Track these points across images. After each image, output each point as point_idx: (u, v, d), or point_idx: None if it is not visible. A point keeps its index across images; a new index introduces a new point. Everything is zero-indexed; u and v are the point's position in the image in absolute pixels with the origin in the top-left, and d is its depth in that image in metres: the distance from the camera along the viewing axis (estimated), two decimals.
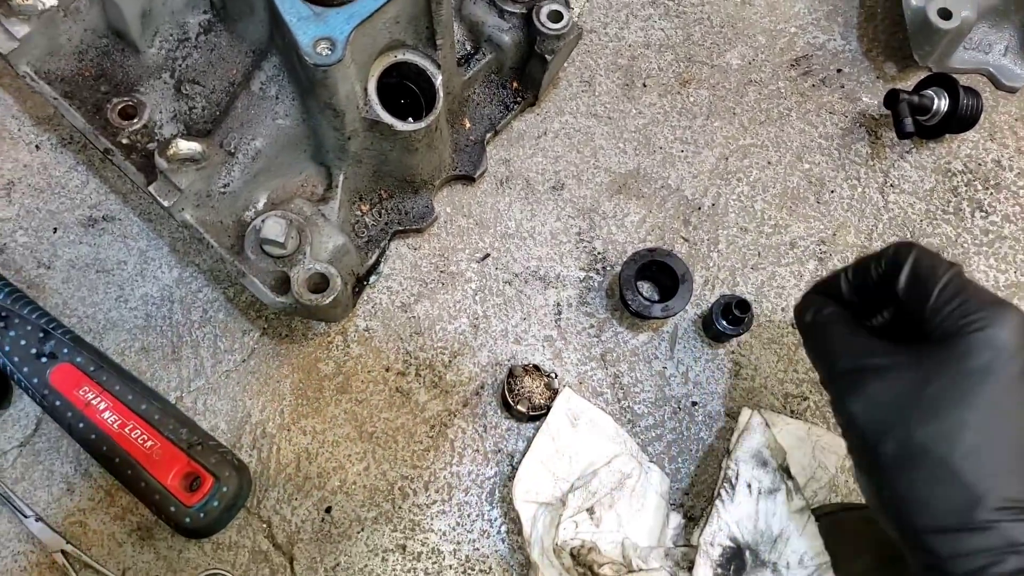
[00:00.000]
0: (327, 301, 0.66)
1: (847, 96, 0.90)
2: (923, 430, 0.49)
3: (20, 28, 0.68)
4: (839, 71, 0.91)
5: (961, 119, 0.84)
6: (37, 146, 0.80)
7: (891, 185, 0.86)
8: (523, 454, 0.72)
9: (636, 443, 0.73)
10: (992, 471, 0.47)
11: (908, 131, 0.81)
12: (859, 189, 0.86)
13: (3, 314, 0.70)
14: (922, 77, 0.87)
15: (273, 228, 0.66)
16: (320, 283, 0.67)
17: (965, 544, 0.47)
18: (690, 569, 0.67)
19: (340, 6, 0.62)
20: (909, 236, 0.83)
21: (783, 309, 0.80)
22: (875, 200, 0.85)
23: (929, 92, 0.84)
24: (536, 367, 0.74)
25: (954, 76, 0.84)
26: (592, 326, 0.79)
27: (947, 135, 0.88)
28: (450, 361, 0.76)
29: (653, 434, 0.75)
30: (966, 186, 0.87)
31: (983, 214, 0.85)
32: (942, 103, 0.84)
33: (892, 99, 0.83)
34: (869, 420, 0.51)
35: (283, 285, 0.68)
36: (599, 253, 0.81)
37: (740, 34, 0.92)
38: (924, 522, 0.48)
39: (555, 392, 0.74)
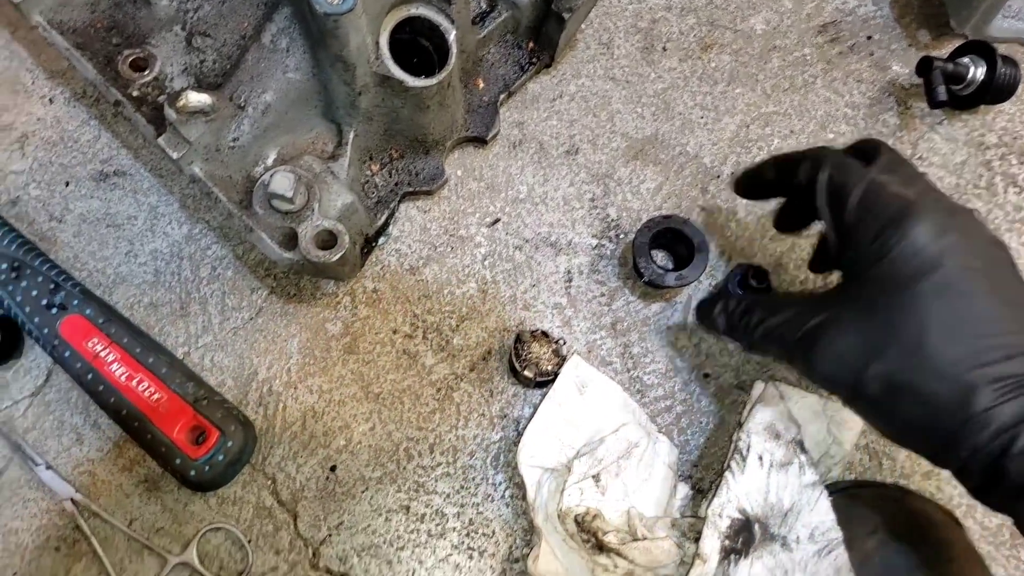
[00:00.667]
0: (335, 258, 0.65)
1: (876, 64, 0.87)
2: (889, 359, 0.50)
3: None
4: (869, 38, 0.88)
5: (998, 89, 0.81)
6: (51, 100, 0.80)
7: (920, 158, 0.83)
8: (529, 420, 0.71)
9: (645, 413, 0.72)
10: (968, 362, 0.48)
11: (941, 100, 0.78)
12: None
13: (15, 265, 0.71)
14: (957, 45, 0.84)
15: (281, 182, 0.65)
16: (328, 240, 0.67)
17: (979, 437, 0.47)
18: (697, 540, 0.66)
19: None
20: None
21: (801, 282, 0.78)
22: None
23: (964, 60, 0.81)
24: (544, 333, 0.73)
25: (992, 45, 0.81)
26: (603, 294, 0.77)
27: (982, 106, 0.84)
28: (457, 325, 0.76)
29: (663, 405, 0.74)
30: (1000, 160, 0.84)
31: (1017, 189, 0.82)
32: (978, 72, 0.81)
33: (925, 66, 0.80)
34: (841, 375, 0.53)
35: (291, 241, 0.67)
36: (613, 220, 0.80)
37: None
38: (935, 440, 0.50)
39: (563, 359, 0.73)
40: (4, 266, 0.70)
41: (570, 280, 0.78)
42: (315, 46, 0.65)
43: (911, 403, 0.49)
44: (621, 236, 0.79)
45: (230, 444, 0.66)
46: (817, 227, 0.67)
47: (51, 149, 0.78)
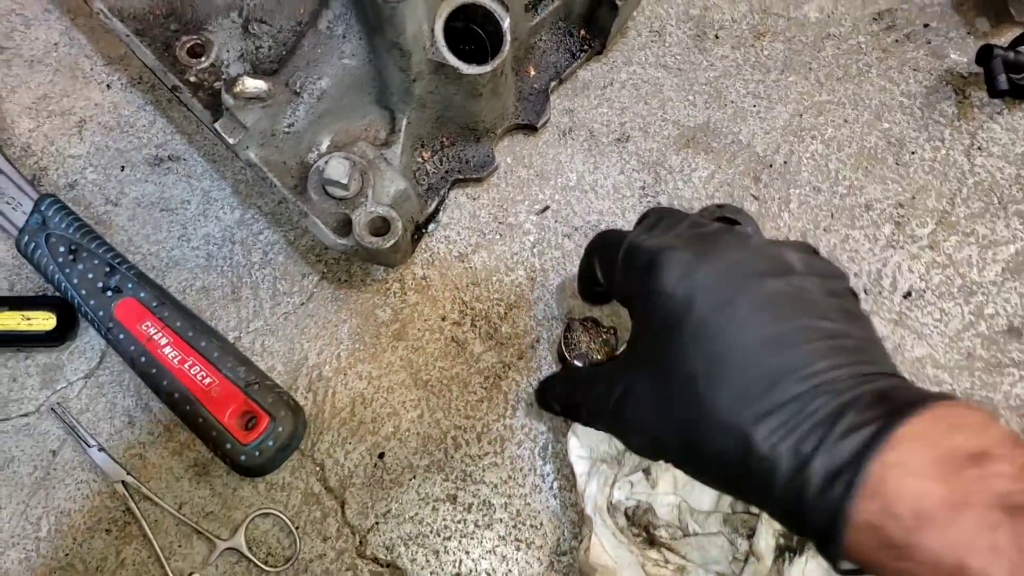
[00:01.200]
0: (388, 245, 0.65)
1: (933, 52, 0.85)
2: (676, 421, 0.46)
3: None
4: (926, 26, 0.86)
5: None
6: (108, 85, 0.81)
7: (978, 148, 0.81)
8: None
9: None
10: (736, 405, 0.43)
11: (1001, 89, 0.76)
12: (942, 151, 0.81)
13: (72, 248, 0.71)
14: (1018, 34, 0.82)
15: (337, 168, 0.65)
16: (381, 226, 0.67)
17: (773, 492, 0.41)
18: (750, 536, 0.65)
19: None
20: (996, 202, 0.79)
21: (856, 274, 0.77)
22: (959, 163, 0.81)
23: None
24: (595, 322, 0.72)
25: None
26: None
27: None
28: (506, 313, 0.75)
29: None
30: None
31: None
32: None
33: (985, 55, 0.78)
34: (647, 448, 0.51)
35: (344, 227, 0.67)
36: None
37: (792, 4, 0.88)
38: (732, 490, 0.47)
39: (613, 349, 0.72)
40: (62, 249, 0.71)
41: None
42: (371, 33, 0.65)
43: (708, 463, 0.45)
44: None
45: (280, 429, 0.66)
46: None
47: (108, 134, 0.79)
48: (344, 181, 0.65)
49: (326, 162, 0.66)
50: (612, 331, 0.72)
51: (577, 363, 0.71)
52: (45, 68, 0.80)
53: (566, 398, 0.62)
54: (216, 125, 0.66)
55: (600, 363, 0.70)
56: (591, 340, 0.72)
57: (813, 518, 0.40)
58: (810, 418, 0.40)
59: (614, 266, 0.53)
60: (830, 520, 0.39)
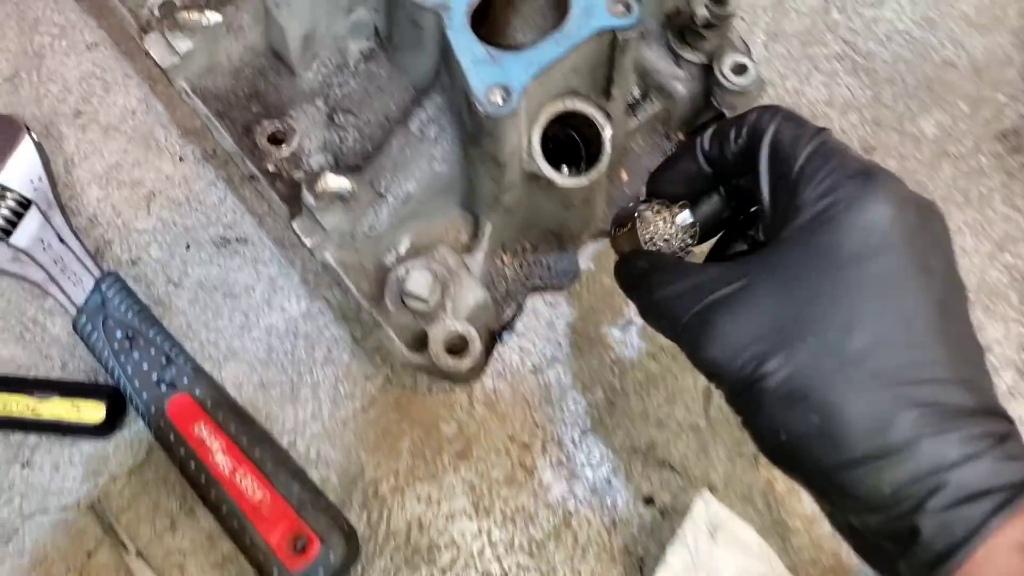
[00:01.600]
0: (465, 366, 0.60)
1: None
2: (798, 353, 0.39)
3: (183, 43, 0.65)
4: None
5: None
6: (181, 158, 0.78)
7: None
8: (656, 560, 0.64)
9: (784, 564, 0.64)
10: (892, 376, 0.38)
11: None
12: None
13: (129, 335, 0.68)
14: None
15: (419, 281, 0.60)
16: (459, 344, 0.62)
17: (885, 475, 0.38)
18: None
19: (517, 50, 0.56)
20: None
21: None
22: None
23: None
24: (667, 204, 0.54)
25: None
26: None
27: None
28: (580, 439, 0.69)
29: (807, 556, 0.66)
30: None
31: None
32: None
33: None
34: (732, 363, 0.42)
35: (419, 342, 0.62)
36: None
37: (938, 99, 0.82)
38: (830, 459, 0.39)
39: (692, 240, 0.53)
40: (119, 334, 0.68)
41: (710, 398, 0.71)
42: (467, 142, 0.60)
43: (810, 413, 0.39)
44: None
45: (332, 558, 0.61)
46: None
47: (176, 209, 0.76)
48: (425, 296, 0.60)
49: (407, 272, 0.61)
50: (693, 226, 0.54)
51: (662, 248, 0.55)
52: (120, 136, 0.78)
53: (632, 274, 0.52)
54: (293, 224, 0.62)
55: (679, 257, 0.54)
56: (667, 227, 0.54)
57: (929, 528, 0.37)
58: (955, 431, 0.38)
59: (794, 147, 0.44)
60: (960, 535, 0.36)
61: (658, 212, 0.54)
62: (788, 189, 0.43)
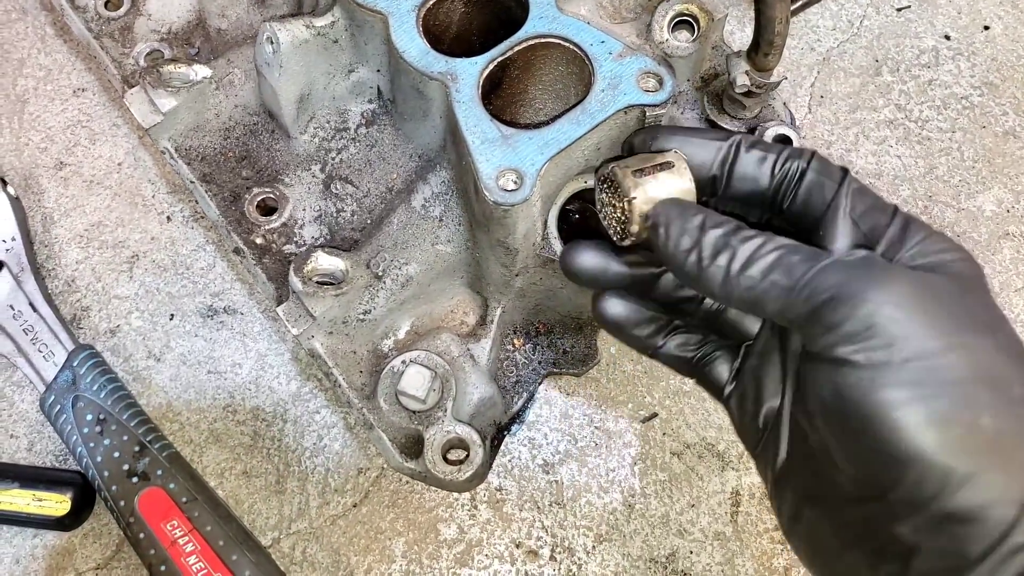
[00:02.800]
0: (464, 477, 0.54)
1: None
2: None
3: (167, 101, 0.59)
4: None
5: None
6: (168, 217, 0.72)
7: None
8: None
9: None
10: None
11: None
12: None
13: (101, 417, 0.62)
14: None
15: (414, 380, 0.54)
16: (457, 447, 0.55)
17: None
18: None
19: (532, 128, 0.50)
20: None
21: None
22: None
23: None
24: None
25: None
26: (778, 528, 0.63)
27: None
28: (594, 547, 0.62)
29: None
30: None
31: None
32: None
33: None
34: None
35: (415, 445, 0.56)
36: None
37: (998, 173, 0.74)
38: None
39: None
40: (89, 417, 0.62)
41: (738, 504, 0.63)
42: (475, 225, 0.54)
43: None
44: None
45: None
46: None
47: (161, 274, 0.70)
48: (421, 395, 0.54)
49: (403, 365, 0.55)
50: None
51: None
52: (104, 191, 0.72)
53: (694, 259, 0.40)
54: (279, 310, 0.56)
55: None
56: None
57: None
58: None
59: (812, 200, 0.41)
60: None
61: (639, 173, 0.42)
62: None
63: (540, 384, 0.66)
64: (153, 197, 0.72)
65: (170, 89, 0.59)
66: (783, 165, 0.42)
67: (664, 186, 0.42)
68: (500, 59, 0.51)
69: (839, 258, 0.37)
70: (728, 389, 0.45)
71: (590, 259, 0.45)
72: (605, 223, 0.45)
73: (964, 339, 0.34)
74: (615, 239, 0.44)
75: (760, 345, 0.43)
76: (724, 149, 0.43)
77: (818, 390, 0.36)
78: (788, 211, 0.42)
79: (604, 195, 0.44)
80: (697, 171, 0.43)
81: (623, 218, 0.43)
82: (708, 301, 0.46)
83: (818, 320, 0.36)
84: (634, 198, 0.41)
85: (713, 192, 0.44)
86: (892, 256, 0.38)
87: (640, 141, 0.46)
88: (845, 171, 0.42)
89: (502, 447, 0.65)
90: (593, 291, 0.47)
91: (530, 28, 0.52)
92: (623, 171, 0.42)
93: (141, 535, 0.59)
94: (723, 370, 0.45)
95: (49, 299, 0.67)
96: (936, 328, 0.34)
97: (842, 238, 0.39)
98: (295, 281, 0.54)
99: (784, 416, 0.40)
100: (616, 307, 0.46)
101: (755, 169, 0.42)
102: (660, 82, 0.51)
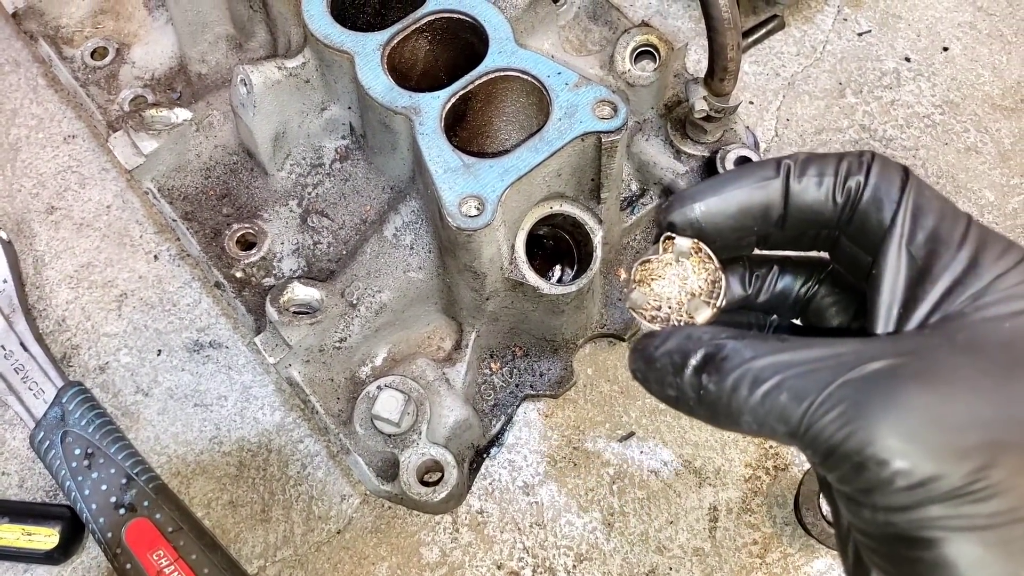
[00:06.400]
0: (439, 498, 0.55)
1: None
2: None
3: (148, 144, 0.62)
4: None
5: None
6: (156, 256, 0.74)
7: None
8: None
9: None
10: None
11: None
12: None
13: (89, 451, 0.63)
14: None
15: (388, 404, 0.55)
16: (433, 469, 0.56)
17: None
18: None
19: (494, 156, 0.52)
20: None
21: None
22: None
23: None
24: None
25: None
26: (755, 542, 0.63)
27: None
28: (575, 566, 0.63)
29: None
30: None
31: None
32: None
33: None
34: (944, 453, 0.28)
35: (391, 468, 0.57)
36: (771, 447, 0.66)
37: (962, 188, 0.76)
38: None
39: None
40: (78, 451, 0.63)
41: (715, 520, 0.64)
42: (443, 251, 0.56)
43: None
44: (780, 468, 0.65)
45: None
46: None
47: (148, 311, 0.72)
48: (395, 419, 0.55)
49: (378, 392, 0.56)
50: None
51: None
52: (93, 233, 0.74)
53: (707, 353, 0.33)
54: (256, 340, 0.57)
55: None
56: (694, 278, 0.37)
57: None
58: None
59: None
60: None
61: (679, 259, 0.35)
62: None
63: (518, 407, 0.67)
64: (141, 237, 0.75)
65: (152, 132, 0.62)
66: (844, 185, 0.35)
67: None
68: (461, 92, 0.54)
69: (847, 379, 0.30)
70: None
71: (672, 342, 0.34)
72: (647, 308, 0.36)
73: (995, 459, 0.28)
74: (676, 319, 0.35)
75: None
76: (773, 187, 0.36)
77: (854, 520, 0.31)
78: (849, 237, 0.36)
79: (661, 269, 0.36)
80: (750, 229, 0.36)
81: (702, 295, 0.35)
82: None
83: (831, 468, 0.30)
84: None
85: (779, 223, 0.36)
86: (951, 306, 0.32)
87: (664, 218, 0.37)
88: (906, 176, 0.34)
89: (482, 470, 0.66)
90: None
91: (489, 63, 0.54)
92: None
93: (128, 565, 0.60)
94: None
95: (40, 338, 0.69)
96: (958, 451, 0.28)
97: (886, 297, 0.33)
98: (271, 311, 0.56)
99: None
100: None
101: (815, 195, 0.35)
102: (615, 110, 0.53)
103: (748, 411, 0.31)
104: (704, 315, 0.35)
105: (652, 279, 0.36)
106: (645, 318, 0.35)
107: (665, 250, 0.36)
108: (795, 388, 0.30)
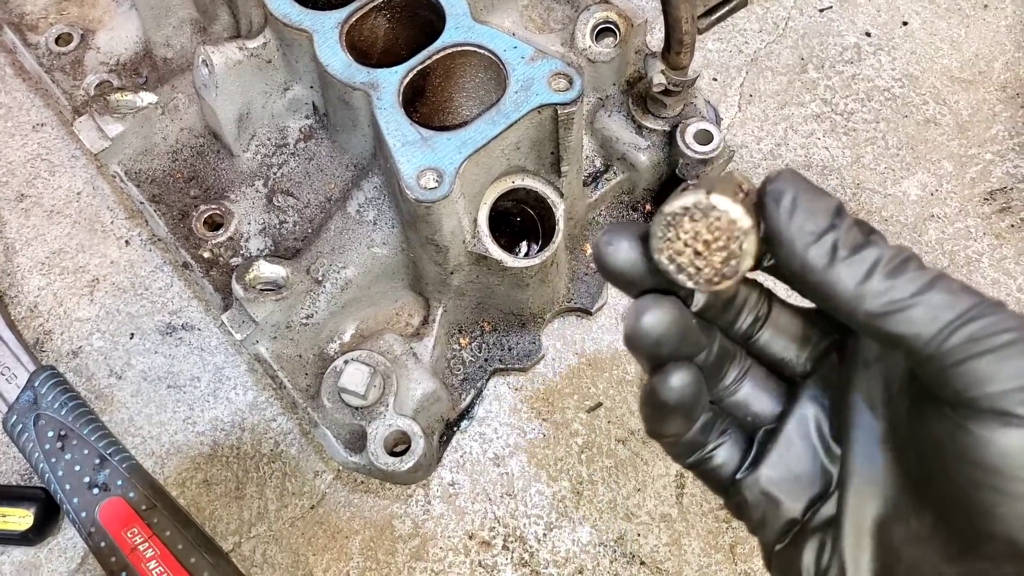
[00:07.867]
0: (406, 467, 0.56)
1: None
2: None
3: (114, 127, 0.63)
4: None
5: None
6: (127, 241, 0.74)
7: None
8: None
9: None
10: None
11: None
12: None
13: (62, 434, 0.64)
14: None
15: (353, 377, 0.56)
16: (401, 439, 0.57)
17: None
18: None
19: (452, 130, 0.53)
20: None
21: None
22: None
23: None
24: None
25: None
26: (722, 507, 0.65)
27: None
28: (544, 534, 0.64)
29: None
30: None
31: None
32: None
33: None
34: None
35: (359, 441, 0.58)
36: None
37: (921, 159, 0.78)
38: None
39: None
40: (51, 434, 0.64)
41: (682, 487, 0.66)
42: (406, 226, 0.57)
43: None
44: None
45: None
46: None
47: (120, 296, 0.72)
48: (361, 391, 0.56)
49: (343, 365, 0.57)
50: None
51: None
52: (64, 220, 0.75)
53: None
54: (224, 317, 0.58)
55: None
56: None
57: None
58: None
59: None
60: None
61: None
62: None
63: (488, 380, 0.68)
64: (112, 223, 0.75)
65: (117, 116, 0.63)
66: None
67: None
68: (419, 67, 0.55)
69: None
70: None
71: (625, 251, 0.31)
72: (672, 267, 0.30)
73: None
74: (694, 285, 0.30)
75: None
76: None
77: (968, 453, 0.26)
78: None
79: (679, 232, 0.29)
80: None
81: (727, 256, 0.29)
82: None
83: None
84: (754, 225, 0.29)
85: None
86: None
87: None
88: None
89: (453, 442, 0.67)
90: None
91: (446, 38, 0.55)
92: (723, 197, 0.29)
93: (102, 543, 0.61)
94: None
95: (12, 324, 0.69)
96: None
97: None
98: (237, 288, 0.56)
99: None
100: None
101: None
102: (570, 82, 0.54)
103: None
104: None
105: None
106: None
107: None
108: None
